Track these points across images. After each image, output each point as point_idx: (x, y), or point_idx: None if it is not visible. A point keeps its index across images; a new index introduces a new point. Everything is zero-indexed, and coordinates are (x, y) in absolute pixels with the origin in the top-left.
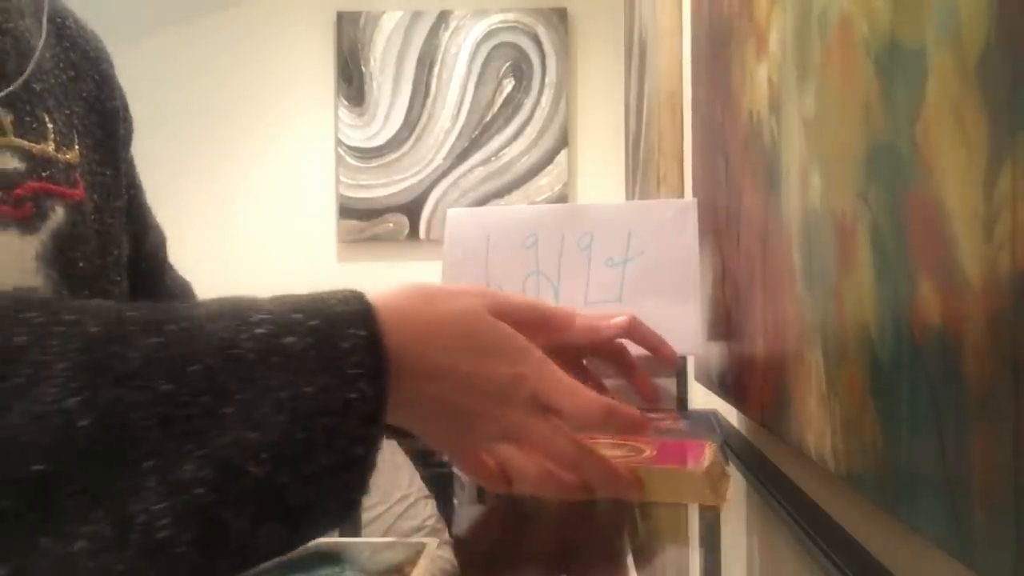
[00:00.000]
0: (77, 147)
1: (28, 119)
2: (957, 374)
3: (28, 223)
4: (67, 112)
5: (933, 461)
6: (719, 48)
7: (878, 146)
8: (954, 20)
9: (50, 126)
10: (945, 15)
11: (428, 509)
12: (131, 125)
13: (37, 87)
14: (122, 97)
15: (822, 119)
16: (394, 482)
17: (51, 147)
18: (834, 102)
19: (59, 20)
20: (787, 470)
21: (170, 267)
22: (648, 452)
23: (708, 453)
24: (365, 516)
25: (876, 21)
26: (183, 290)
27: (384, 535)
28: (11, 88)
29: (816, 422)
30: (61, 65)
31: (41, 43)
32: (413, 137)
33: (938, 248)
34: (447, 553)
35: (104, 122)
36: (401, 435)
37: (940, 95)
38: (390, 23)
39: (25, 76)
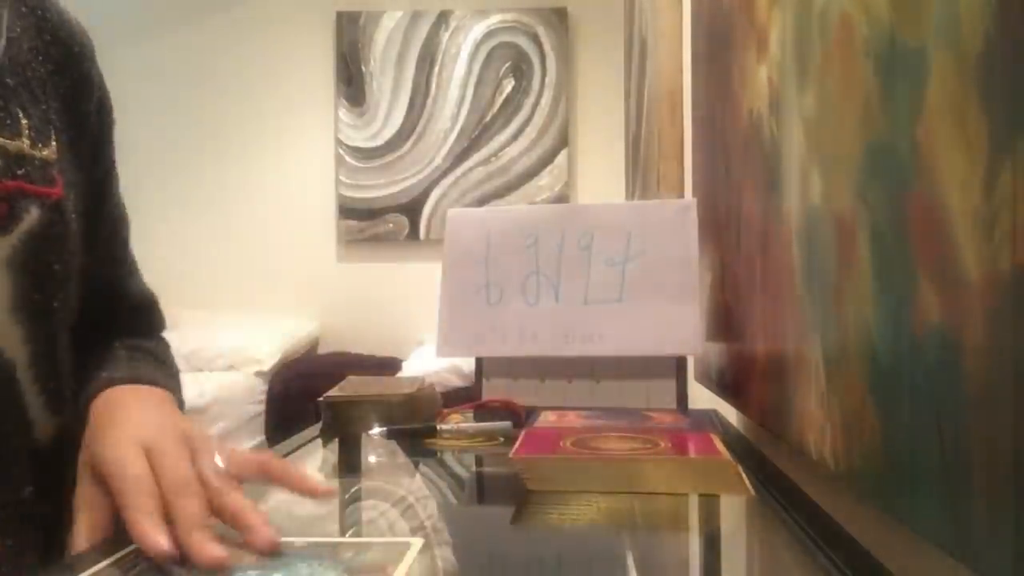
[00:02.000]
0: (54, 143)
1: (1, 115)
2: (957, 374)
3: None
4: (43, 107)
5: (933, 461)
6: (719, 48)
7: (878, 146)
8: (954, 20)
9: (24, 122)
10: (945, 15)
11: (428, 509)
12: (107, 116)
13: (11, 81)
14: (100, 89)
15: (822, 119)
16: (394, 482)
17: (26, 143)
18: (834, 102)
19: (39, 12)
20: (787, 470)
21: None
22: (664, 444)
23: (719, 445)
24: (365, 516)
25: (876, 21)
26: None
27: (384, 535)
28: None
29: (816, 421)
30: (40, 58)
31: (2, 39)
32: (413, 137)
33: (938, 248)
34: (447, 553)
35: (76, 122)
36: (401, 436)
37: (940, 95)
38: (390, 23)
39: None
